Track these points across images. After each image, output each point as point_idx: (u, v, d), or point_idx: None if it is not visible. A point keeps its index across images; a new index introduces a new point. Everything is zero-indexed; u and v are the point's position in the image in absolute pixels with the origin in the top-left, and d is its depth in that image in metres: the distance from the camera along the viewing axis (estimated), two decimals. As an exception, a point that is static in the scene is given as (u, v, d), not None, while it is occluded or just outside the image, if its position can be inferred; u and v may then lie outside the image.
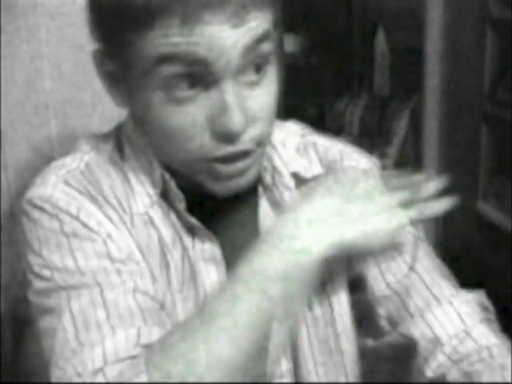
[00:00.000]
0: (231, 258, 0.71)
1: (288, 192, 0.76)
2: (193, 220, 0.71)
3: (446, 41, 2.11)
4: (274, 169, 0.76)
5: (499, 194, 2.07)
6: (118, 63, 0.66)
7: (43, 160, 0.78)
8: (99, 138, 0.76)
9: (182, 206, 0.70)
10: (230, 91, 0.63)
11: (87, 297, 0.64)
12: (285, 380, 0.75)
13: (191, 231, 0.72)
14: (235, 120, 0.63)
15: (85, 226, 0.68)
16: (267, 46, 0.65)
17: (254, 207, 0.76)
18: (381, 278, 0.79)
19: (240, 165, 0.67)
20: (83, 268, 0.66)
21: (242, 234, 0.74)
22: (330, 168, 0.81)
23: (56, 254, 0.67)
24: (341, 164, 0.82)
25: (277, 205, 0.76)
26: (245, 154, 0.66)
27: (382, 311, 0.79)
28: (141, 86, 0.64)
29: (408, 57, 2.76)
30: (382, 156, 2.83)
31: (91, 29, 0.67)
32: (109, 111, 1.08)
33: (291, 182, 0.77)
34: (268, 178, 0.76)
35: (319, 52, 3.13)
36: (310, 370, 0.76)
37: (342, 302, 0.79)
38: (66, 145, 0.79)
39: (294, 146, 0.80)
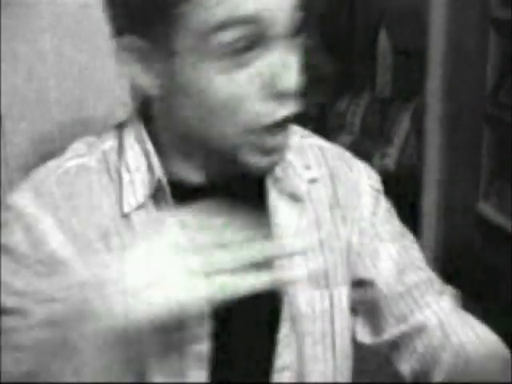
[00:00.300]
0: None
1: (304, 184, 0.76)
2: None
3: (448, 42, 2.11)
4: (284, 162, 0.76)
5: (500, 195, 2.08)
6: (155, 46, 0.64)
7: (45, 157, 0.78)
8: (97, 138, 0.75)
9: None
10: (287, 51, 0.64)
11: (13, 322, 0.65)
12: (285, 374, 0.75)
13: None
14: (296, 78, 0.63)
15: (40, 245, 0.67)
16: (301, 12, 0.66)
17: (257, 203, 0.75)
18: (393, 278, 0.81)
19: (282, 137, 0.67)
20: (26, 291, 0.66)
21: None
22: (331, 169, 0.81)
23: (7, 271, 0.67)
24: (341, 166, 0.82)
25: (291, 196, 0.75)
26: (288, 123, 0.66)
27: (392, 308, 0.81)
28: (189, 60, 0.63)
29: (410, 58, 2.76)
30: (383, 156, 2.84)
31: (122, 16, 0.65)
32: (111, 107, 1.09)
33: (305, 174, 0.77)
34: (278, 171, 0.75)
35: (321, 52, 3.14)
36: (311, 367, 0.77)
37: (342, 299, 0.79)
38: (68, 141, 0.79)
39: (295, 146, 0.80)
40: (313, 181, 0.78)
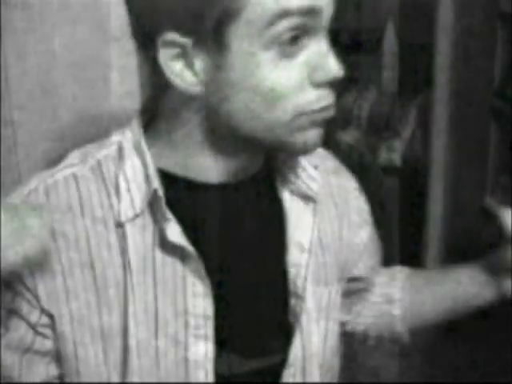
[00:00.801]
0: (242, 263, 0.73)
1: (315, 183, 0.77)
2: (178, 240, 0.69)
3: (455, 37, 2.11)
4: (296, 163, 0.76)
5: (506, 191, 2.08)
6: (203, 41, 0.63)
7: (55, 158, 0.78)
8: (95, 146, 0.75)
9: (169, 225, 0.69)
10: (326, 40, 0.66)
11: None
12: (290, 371, 0.76)
13: (175, 248, 0.71)
14: (339, 65, 0.66)
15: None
16: None
17: (268, 204, 0.76)
18: (376, 271, 0.94)
19: (327, 113, 0.68)
20: None
21: (260, 232, 0.75)
22: (328, 171, 0.83)
23: None
24: (333, 168, 0.85)
25: (304, 197, 0.76)
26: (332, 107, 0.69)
27: (371, 291, 0.94)
28: (240, 53, 0.63)
29: (417, 53, 2.76)
30: (389, 150, 2.84)
31: (164, 13, 0.63)
32: (120, 103, 1.09)
33: (316, 174, 0.78)
34: (289, 173, 0.76)
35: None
36: (313, 363, 0.78)
37: (336, 297, 0.82)
38: (77, 142, 0.79)
39: None
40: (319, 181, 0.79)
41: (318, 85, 0.65)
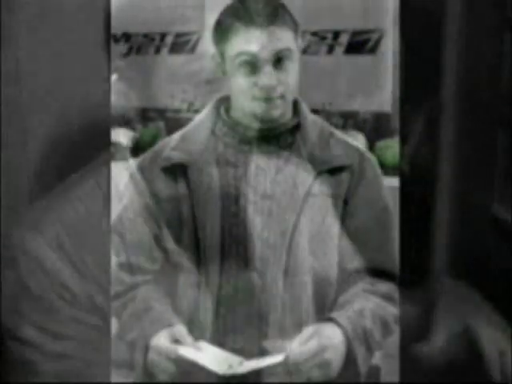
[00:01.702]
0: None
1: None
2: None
3: (462, 42, 2.10)
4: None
5: (513, 197, 2.07)
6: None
7: (62, 161, 0.80)
8: (83, 169, 0.80)
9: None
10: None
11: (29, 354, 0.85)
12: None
13: None
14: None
15: (52, 280, 0.73)
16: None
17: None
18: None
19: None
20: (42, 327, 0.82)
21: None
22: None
23: (27, 305, 0.83)
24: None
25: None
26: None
27: None
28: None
29: (424, 58, 2.75)
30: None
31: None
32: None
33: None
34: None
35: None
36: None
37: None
38: (78, 141, 0.80)
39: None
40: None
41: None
